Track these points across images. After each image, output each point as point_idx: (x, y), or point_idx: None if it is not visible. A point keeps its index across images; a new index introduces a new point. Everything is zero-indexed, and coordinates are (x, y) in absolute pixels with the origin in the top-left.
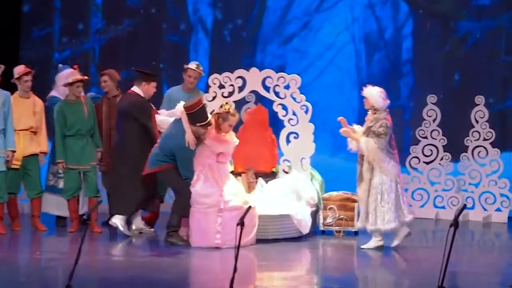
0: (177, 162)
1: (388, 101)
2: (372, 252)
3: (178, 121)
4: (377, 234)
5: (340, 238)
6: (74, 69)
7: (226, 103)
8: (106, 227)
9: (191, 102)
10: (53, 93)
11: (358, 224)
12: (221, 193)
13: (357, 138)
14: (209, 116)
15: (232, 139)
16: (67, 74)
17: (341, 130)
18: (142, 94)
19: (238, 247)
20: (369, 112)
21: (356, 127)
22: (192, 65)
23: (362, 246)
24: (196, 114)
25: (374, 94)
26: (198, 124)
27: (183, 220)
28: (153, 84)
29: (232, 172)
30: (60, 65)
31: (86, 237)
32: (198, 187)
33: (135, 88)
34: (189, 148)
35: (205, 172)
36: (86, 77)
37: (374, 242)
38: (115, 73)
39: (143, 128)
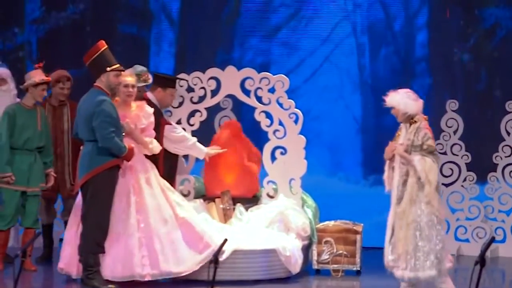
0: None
1: (422, 101)
2: None
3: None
4: (407, 284)
5: (338, 279)
6: (38, 67)
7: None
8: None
9: (88, 52)
10: None
11: (408, 274)
12: (137, 211)
13: (408, 157)
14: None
15: (143, 107)
16: (33, 74)
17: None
18: (155, 102)
19: None
20: (403, 125)
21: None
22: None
23: None
24: (101, 59)
25: (399, 99)
26: (108, 69)
27: None
28: (171, 91)
29: (203, 197)
30: None
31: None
32: (115, 209)
33: (149, 95)
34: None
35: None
36: (50, 79)
37: None
38: None
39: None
